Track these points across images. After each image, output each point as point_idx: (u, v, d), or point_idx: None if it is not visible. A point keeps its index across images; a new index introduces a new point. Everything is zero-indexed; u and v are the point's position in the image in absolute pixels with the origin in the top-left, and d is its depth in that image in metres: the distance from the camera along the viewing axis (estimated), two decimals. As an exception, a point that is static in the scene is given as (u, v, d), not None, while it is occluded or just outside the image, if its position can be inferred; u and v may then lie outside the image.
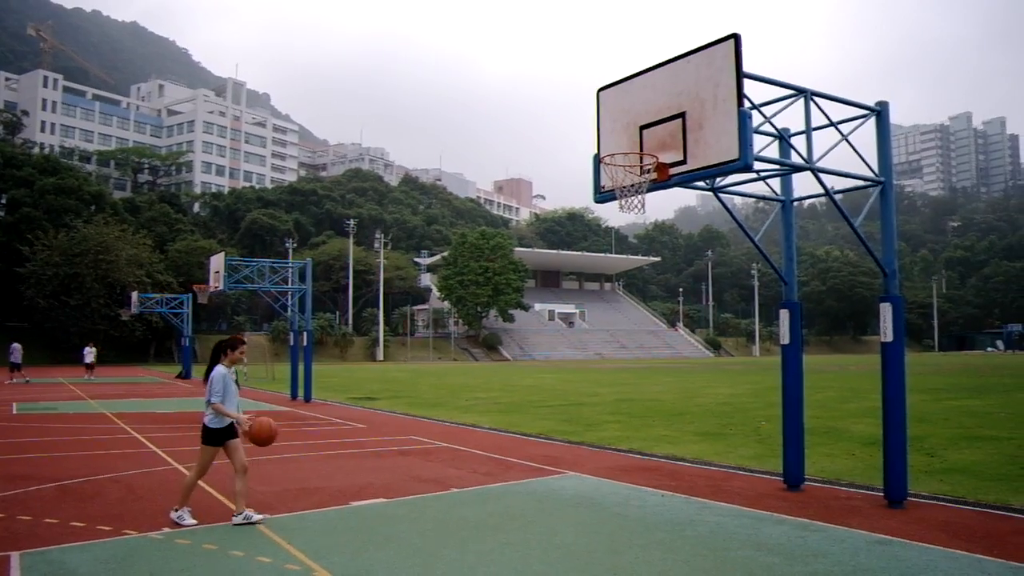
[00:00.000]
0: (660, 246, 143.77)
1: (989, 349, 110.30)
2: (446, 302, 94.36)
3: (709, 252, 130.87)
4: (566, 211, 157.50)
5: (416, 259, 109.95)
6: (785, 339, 10.18)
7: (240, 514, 8.03)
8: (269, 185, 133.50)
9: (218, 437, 8.22)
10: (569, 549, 7.16)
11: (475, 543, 7.35)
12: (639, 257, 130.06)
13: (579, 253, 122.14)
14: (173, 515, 8.13)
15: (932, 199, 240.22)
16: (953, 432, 15.38)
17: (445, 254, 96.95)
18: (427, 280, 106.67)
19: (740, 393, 28.11)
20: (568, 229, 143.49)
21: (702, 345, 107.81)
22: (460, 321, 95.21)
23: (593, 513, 8.71)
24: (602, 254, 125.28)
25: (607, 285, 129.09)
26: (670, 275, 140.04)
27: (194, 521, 7.98)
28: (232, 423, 8.18)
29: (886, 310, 9.08)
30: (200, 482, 8.72)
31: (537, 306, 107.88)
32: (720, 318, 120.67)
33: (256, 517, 8.08)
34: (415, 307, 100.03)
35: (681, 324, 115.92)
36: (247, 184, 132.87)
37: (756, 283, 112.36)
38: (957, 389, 28.36)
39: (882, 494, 9.13)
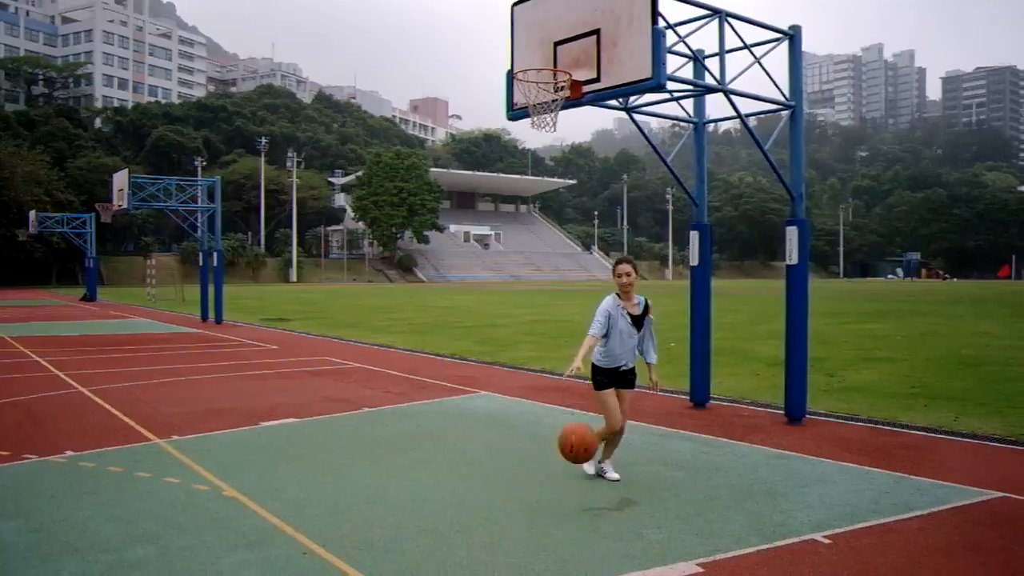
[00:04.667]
0: (576, 169, 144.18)
1: (889, 276, 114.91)
2: (361, 223, 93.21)
3: (625, 176, 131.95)
4: (483, 132, 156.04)
5: (330, 179, 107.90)
6: (694, 260, 10.40)
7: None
8: (176, 100, 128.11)
9: (607, 381, 6.57)
10: (480, 466, 7.29)
11: (387, 460, 7.42)
12: (555, 179, 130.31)
13: (495, 175, 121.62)
14: (591, 467, 6.85)
15: (843, 128, 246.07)
16: (852, 354, 16.08)
17: (360, 174, 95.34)
18: (341, 200, 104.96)
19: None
20: (484, 150, 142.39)
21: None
22: (375, 242, 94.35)
23: (505, 431, 8.86)
24: (518, 176, 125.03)
25: (523, 207, 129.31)
26: (586, 198, 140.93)
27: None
28: (624, 363, 6.54)
29: (792, 233, 9.33)
30: (108, 405, 8.48)
31: (452, 228, 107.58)
32: (634, 242, 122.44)
33: (612, 475, 6.71)
34: (329, 228, 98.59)
35: (596, 247, 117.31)
36: (152, 99, 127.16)
37: (670, 207, 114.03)
38: (858, 313, 29.60)
39: (783, 412, 9.52)
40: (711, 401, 10.52)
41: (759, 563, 4.88)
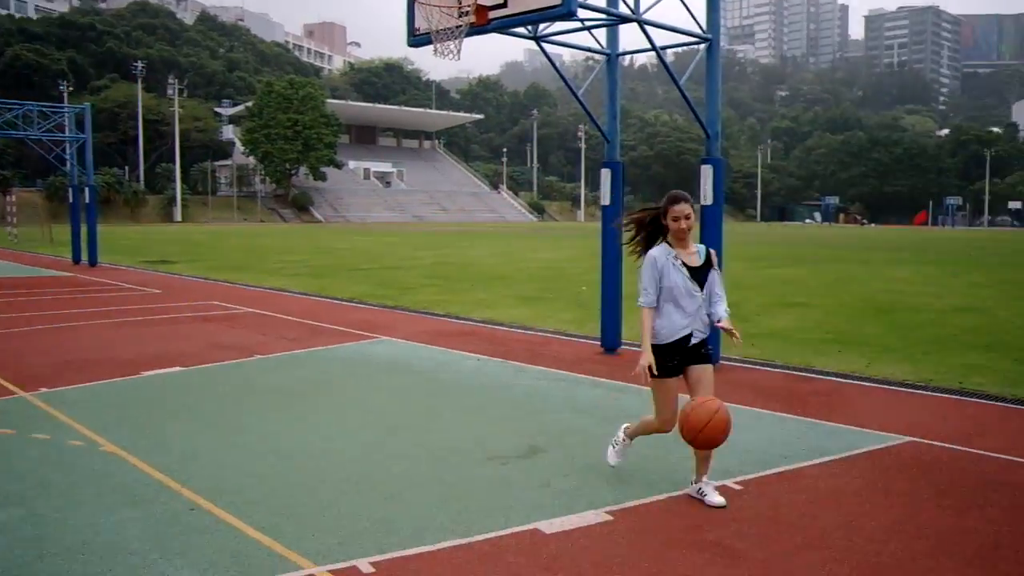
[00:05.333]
0: (484, 103, 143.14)
1: (807, 220, 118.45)
2: (251, 158, 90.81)
3: (535, 111, 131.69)
4: (383, 61, 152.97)
5: (217, 109, 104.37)
6: (606, 200, 10.52)
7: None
8: (34, 15, 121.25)
9: (666, 362, 5.13)
10: (380, 413, 7.32)
11: (279, 410, 7.37)
12: (461, 114, 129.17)
13: (397, 108, 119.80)
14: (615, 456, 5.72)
15: (762, 67, 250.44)
16: (767, 299, 16.62)
17: (249, 104, 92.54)
18: (230, 133, 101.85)
19: (562, 258, 29.07)
20: (386, 81, 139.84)
21: (525, 209, 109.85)
22: (267, 179, 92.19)
23: (406, 378, 8.90)
24: (422, 109, 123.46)
25: (427, 143, 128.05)
26: (494, 134, 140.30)
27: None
28: (690, 333, 5.15)
29: (707, 172, 9.53)
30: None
31: (351, 164, 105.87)
32: (545, 181, 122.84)
33: (715, 500, 5.13)
34: (217, 163, 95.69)
35: (504, 187, 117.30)
36: (4, 12, 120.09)
37: (583, 145, 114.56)
38: (775, 258, 30.52)
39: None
40: (623, 346, 10.75)
41: (670, 509, 5.06)
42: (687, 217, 5.07)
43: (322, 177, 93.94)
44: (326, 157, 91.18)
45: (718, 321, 5.17)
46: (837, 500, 5.25)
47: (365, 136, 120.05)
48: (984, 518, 4.95)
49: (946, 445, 6.46)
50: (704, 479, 5.20)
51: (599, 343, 10.79)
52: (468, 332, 12.22)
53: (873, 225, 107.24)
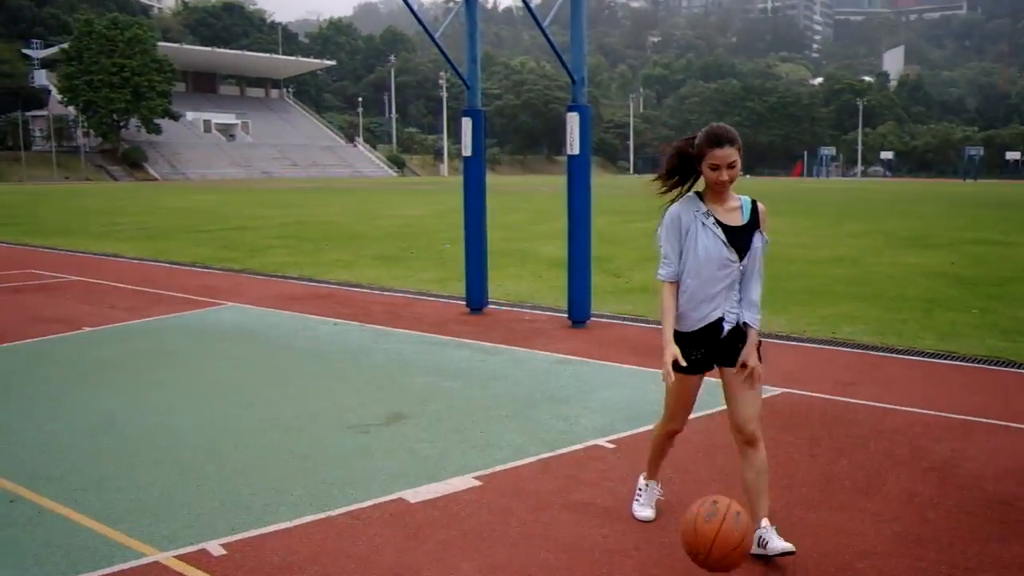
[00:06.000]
0: (336, 48, 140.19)
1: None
2: (71, 107, 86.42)
3: (392, 57, 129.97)
4: (222, 0, 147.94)
5: (25, 51, 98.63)
6: (467, 150, 10.57)
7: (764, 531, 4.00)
8: None
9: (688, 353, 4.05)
10: (228, 385, 7.19)
11: (116, 385, 7.14)
12: (311, 60, 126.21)
13: (240, 52, 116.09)
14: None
15: (633, 11, 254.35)
16: (640, 253, 17.03)
17: (65, 46, 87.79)
18: (43, 79, 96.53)
19: (424, 214, 29.02)
20: (225, 23, 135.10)
21: (384, 163, 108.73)
22: (92, 132, 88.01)
23: (256, 346, 8.75)
24: (267, 55, 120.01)
25: (274, 92, 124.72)
26: (348, 83, 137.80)
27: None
28: (721, 318, 4.04)
29: (573, 120, 9.64)
30: None
31: (190, 115, 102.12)
32: (405, 133, 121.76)
33: (779, 546, 3.92)
34: (29, 113, 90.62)
35: (361, 139, 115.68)
36: None
37: (445, 94, 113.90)
38: (648, 211, 31.12)
39: (567, 315, 10.00)
40: (489, 306, 10.86)
41: (541, 472, 5.18)
42: (731, 166, 3.90)
43: (156, 130, 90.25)
44: (160, 107, 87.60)
45: (746, 322, 4.03)
46: (712, 453, 5.49)
47: (204, 84, 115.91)
48: (854, 464, 5.27)
49: (819, 395, 6.84)
50: (765, 522, 3.99)
51: (464, 303, 10.86)
52: (324, 295, 12.10)
53: (748, 176, 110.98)
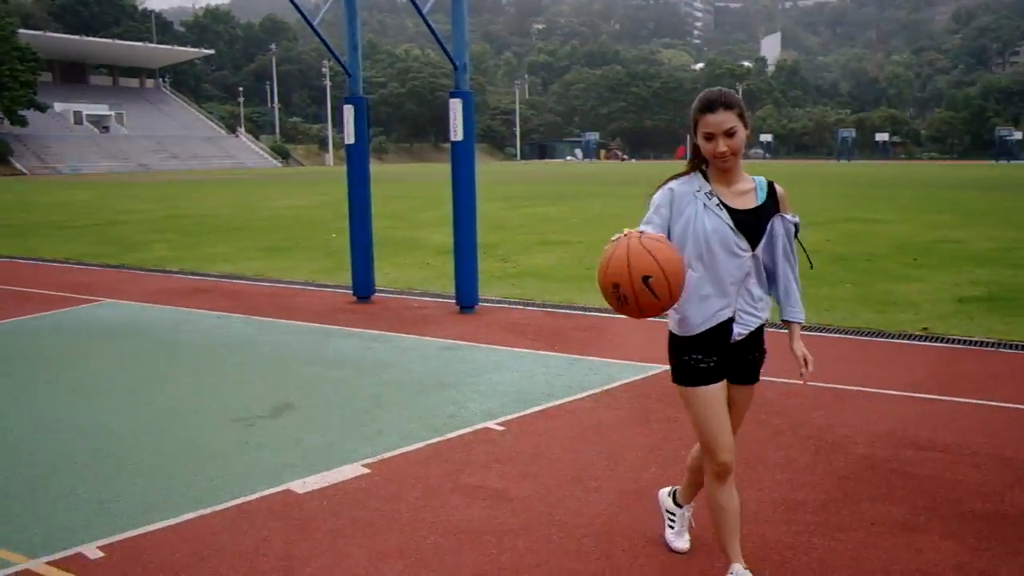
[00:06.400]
0: (214, 37, 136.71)
1: (568, 158, 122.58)
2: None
3: (273, 46, 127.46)
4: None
5: None
6: (350, 138, 10.48)
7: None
8: None
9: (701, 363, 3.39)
10: (105, 382, 6.96)
11: (-19, 388, 6.85)
12: (188, 49, 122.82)
13: (111, 41, 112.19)
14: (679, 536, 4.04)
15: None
16: (527, 238, 17.19)
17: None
18: None
19: (310, 204, 28.65)
20: (93, 11, 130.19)
21: (268, 154, 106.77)
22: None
23: (135, 342, 8.50)
24: (141, 43, 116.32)
25: (149, 82, 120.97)
26: (228, 72, 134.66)
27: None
28: (731, 318, 3.36)
29: (456, 107, 9.64)
30: None
31: (58, 106, 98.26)
32: (288, 123, 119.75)
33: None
34: None
35: (243, 130, 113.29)
36: None
37: (328, 83, 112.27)
38: (535, 197, 31.50)
39: (455, 301, 10.01)
40: (376, 294, 10.82)
41: (430, 457, 5.18)
42: (728, 134, 3.20)
43: (21, 122, 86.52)
44: (24, 98, 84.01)
45: (791, 320, 3.54)
46: (599, 432, 5.57)
47: (73, 74, 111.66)
48: (738, 435, 5.41)
49: (702, 371, 6.99)
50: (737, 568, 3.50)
51: (351, 292, 10.77)
52: (206, 289, 11.83)
53: (634, 160, 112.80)
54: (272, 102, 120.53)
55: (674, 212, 3.31)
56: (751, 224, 3.30)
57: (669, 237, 3.26)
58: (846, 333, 8.51)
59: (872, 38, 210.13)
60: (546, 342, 8.18)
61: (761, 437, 5.40)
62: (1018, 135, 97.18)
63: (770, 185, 3.42)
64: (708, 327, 3.32)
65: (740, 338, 3.35)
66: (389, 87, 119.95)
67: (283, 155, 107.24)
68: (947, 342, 8.06)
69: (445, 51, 9.75)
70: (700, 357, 3.34)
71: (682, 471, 4.70)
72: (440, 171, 67.15)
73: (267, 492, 4.65)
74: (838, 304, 9.94)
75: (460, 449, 5.31)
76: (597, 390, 6.53)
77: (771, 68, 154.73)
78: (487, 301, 10.34)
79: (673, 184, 3.36)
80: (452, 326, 9.04)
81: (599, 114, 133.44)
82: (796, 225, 3.42)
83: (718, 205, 3.27)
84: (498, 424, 5.76)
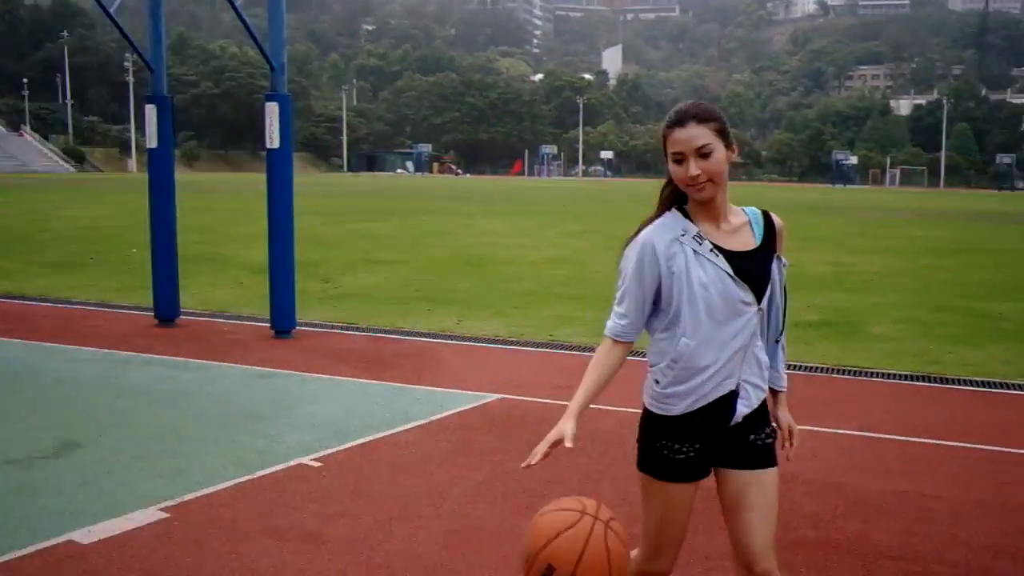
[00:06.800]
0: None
1: (399, 171, 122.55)
2: None
3: (66, 33, 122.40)
4: None
5: None
6: (152, 142, 10.21)
7: None
8: None
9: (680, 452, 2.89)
10: None
11: None
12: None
13: None
14: None
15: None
16: (351, 256, 17.10)
17: None
18: None
19: (109, 215, 27.64)
20: None
21: (59, 156, 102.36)
22: None
23: None
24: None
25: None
26: (10, 60, 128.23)
27: None
28: (734, 391, 2.84)
29: (272, 110, 9.51)
30: None
31: None
32: (84, 122, 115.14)
33: None
34: None
35: (28, 128, 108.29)
36: None
37: (131, 79, 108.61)
38: (361, 212, 31.35)
39: (269, 325, 9.82)
40: (182, 316, 10.52)
41: (237, 498, 5.05)
42: (702, 154, 2.72)
43: None
44: None
45: (777, 388, 3.07)
46: (424, 467, 5.56)
47: None
48: (571, 468, 5.52)
49: (536, 399, 7.14)
50: None
51: (153, 314, 10.41)
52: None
53: (469, 175, 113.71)
54: (64, 97, 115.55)
55: (660, 274, 2.77)
56: (753, 270, 2.81)
57: (656, 306, 2.84)
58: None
59: (714, 55, 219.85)
60: (369, 370, 8.13)
61: (597, 469, 5.52)
62: (854, 159, 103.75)
63: (765, 217, 2.95)
64: (701, 405, 2.80)
65: (741, 418, 2.84)
66: (202, 86, 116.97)
67: (77, 158, 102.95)
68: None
69: (261, 49, 9.62)
70: (677, 446, 2.83)
71: (511, 509, 4.75)
72: (258, 181, 65.91)
73: (45, 544, 4.39)
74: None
75: (272, 488, 5.19)
76: (423, 421, 6.52)
77: (612, 81, 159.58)
78: (306, 325, 10.22)
79: (646, 235, 2.80)
80: (266, 352, 8.88)
81: (432, 124, 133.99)
82: (785, 267, 2.98)
83: (712, 250, 2.75)
84: (314, 460, 5.66)
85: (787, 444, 3.03)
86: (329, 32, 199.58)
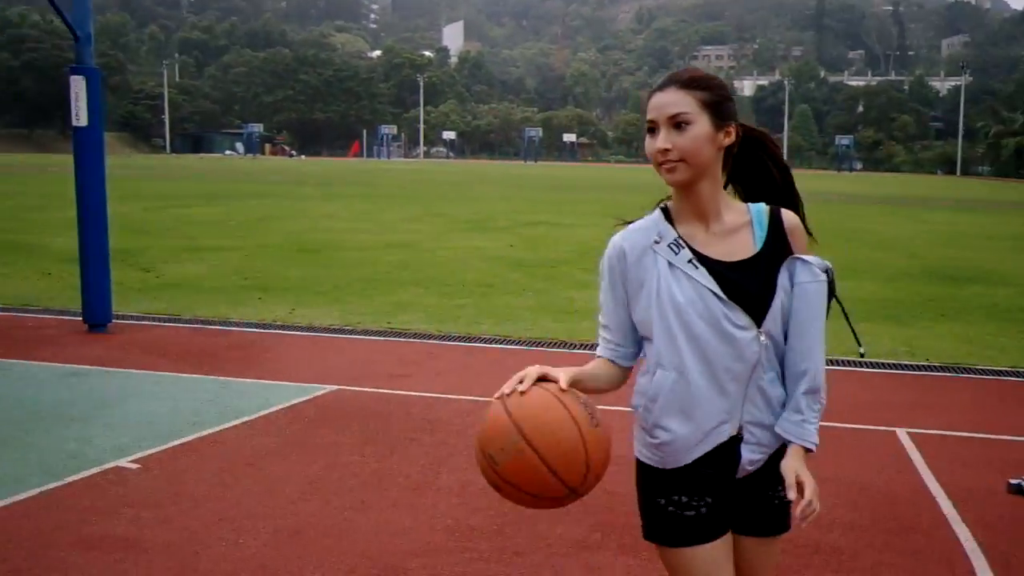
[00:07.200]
0: None
1: (228, 152, 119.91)
2: None
3: None
4: None
5: None
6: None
7: None
8: None
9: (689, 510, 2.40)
10: None
11: None
12: None
13: None
14: None
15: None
16: (175, 244, 16.66)
17: None
18: None
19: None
20: None
21: None
22: None
23: None
24: None
25: None
26: None
27: None
28: (736, 436, 2.35)
29: (79, 85, 9.18)
30: None
31: None
32: None
33: None
34: None
35: None
36: None
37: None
38: (186, 196, 30.58)
39: (81, 318, 9.46)
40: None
41: (43, 506, 4.84)
42: (677, 125, 2.26)
43: None
44: None
45: (804, 443, 2.36)
46: (253, 464, 5.46)
47: None
48: (407, 459, 5.52)
49: (373, 390, 7.13)
50: None
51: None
52: None
53: (303, 157, 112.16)
54: None
55: (629, 287, 2.37)
56: (749, 284, 2.32)
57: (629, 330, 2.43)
58: (527, 344, 8.93)
59: (558, 33, 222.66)
60: (193, 364, 7.95)
61: (436, 459, 5.52)
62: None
63: (773, 215, 2.41)
64: (702, 454, 2.35)
65: (753, 468, 2.39)
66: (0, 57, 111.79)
67: None
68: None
69: (63, 16, 9.24)
70: (685, 500, 2.38)
71: (344, 504, 4.70)
72: (67, 162, 63.42)
73: None
74: (520, 313, 10.44)
75: (84, 494, 5.00)
76: (251, 416, 6.40)
77: (454, 59, 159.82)
78: (123, 318, 9.92)
79: (617, 238, 2.41)
80: (78, 348, 8.59)
81: (263, 103, 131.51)
82: (829, 272, 2.39)
83: (690, 261, 2.30)
84: (132, 462, 5.48)
85: (792, 496, 2.28)
86: (147, 2, 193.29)
